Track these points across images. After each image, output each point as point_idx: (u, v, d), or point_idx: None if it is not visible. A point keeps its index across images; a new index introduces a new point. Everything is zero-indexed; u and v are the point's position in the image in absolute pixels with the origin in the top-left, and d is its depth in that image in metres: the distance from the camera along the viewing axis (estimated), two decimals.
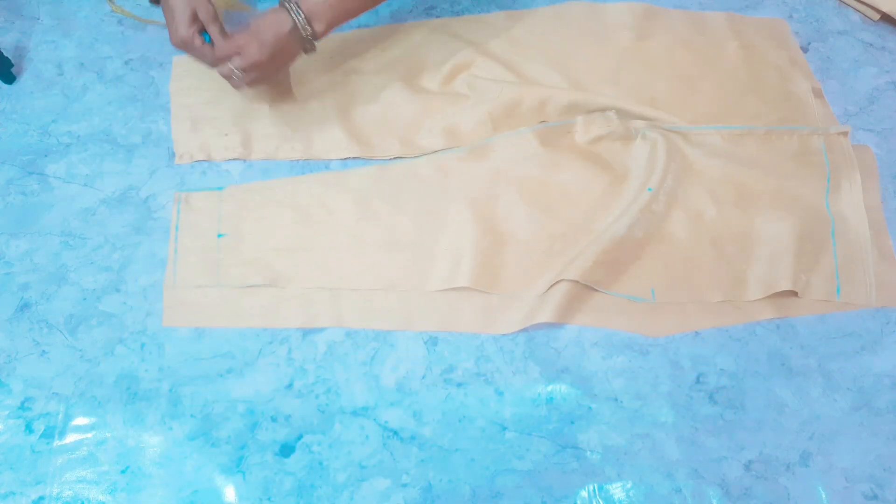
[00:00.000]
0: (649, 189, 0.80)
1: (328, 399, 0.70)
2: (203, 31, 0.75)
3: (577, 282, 0.73)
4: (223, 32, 0.76)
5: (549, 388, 0.71)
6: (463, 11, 0.99)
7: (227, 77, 0.76)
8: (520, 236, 0.78)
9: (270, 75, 0.79)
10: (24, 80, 0.90)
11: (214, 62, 0.75)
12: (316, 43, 0.76)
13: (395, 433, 0.68)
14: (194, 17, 0.74)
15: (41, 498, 0.65)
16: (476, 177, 0.82)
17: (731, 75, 0.93)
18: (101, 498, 0.65)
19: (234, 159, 0.84)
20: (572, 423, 0.69)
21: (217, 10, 0.77)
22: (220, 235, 0.78)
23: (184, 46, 0.75)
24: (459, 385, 0.71)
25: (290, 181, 0.82)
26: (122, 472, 0.66)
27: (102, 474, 0.66)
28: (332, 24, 0.76)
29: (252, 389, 0.70)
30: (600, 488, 0.66)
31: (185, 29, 0.73)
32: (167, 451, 0.67)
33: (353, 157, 0.84)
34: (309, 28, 0.74)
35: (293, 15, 0.73)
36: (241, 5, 0.90)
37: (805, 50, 0.98)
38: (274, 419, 0.69)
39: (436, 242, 0.78)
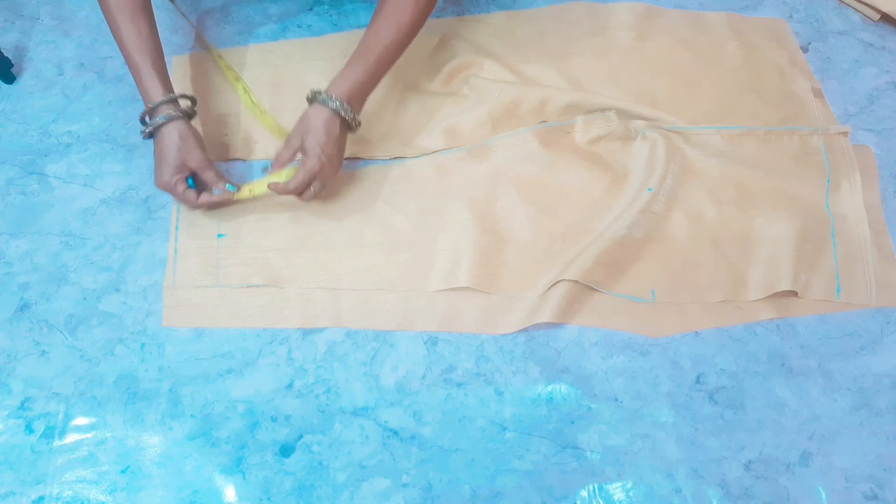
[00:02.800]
0: (649, 189, 0.80)
1: (328, 399, 0.70)
2: (188, 177, 0.74)
3: (578, 282, 0.73)
4: (220, 175, 0.75)
5: (549, 388, 0.71)
6: (463, 11, 0.99)
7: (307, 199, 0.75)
8: (519, 236, 0.78)
9: (336, 173, 0.77)
10: (24, 80, 0.90)
11: (293, 192, 0.74)
12: (359, 122, 0.76)
13: (395, 433, 0.68)
14: (182, 167, 0.72)
15: (41, 498, 0.65)
16: (476, 177, 0.82)
17: (731, 75, 0.93)
18: (101, 498, 0.65)
19: (234, 159, 0.84)
20: (572, 423, 0.69)
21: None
22: (219, 235, 0.78)
23: (167, 190, 0.73)
24: (459, 385, 0.71)
25: None
26: (122, 472, 0.66)
27: (102, 474, 0.66)
28: (362, 102, 0.76)
29: (252, 389, 0.70)
30: (600, 488, 0.66)
31: (168, 176, 0.72)
32: (167, 451, 0.67)
33: (354, 157, 0.84)
34: (350, 110, 0.74)
35: (331, 105, 0.72)
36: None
37: (805, 50, 0.98)
38: (274, 419, 0.69)
39: (435, 242, 0.78)
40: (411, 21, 0.76)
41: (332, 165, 0.74)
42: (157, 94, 0.71)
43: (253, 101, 0.86)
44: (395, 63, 0.78)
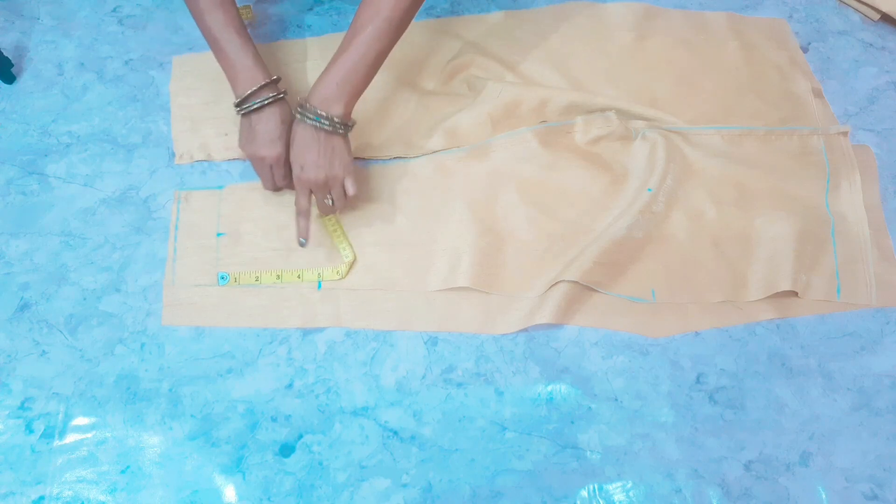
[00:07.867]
0: (649, 189, 0.80)
1: (328, 399, 0.70)
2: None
3: (577, 283, 0.73)
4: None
5: (549, 388, 0.71)
6: (463, 11, 0.99)
7: (329, 208, 0.75)
8: (519, 236, 0.78)
9: (347, 172, 0.74)
10: (24, 80, 0.90)
11: (307, 209, 0.75)
12: (349, 124, 0.72)
13: (395, 433, 0.68)
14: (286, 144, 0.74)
15: (41, 498, 0.65)
16: (476, 177, 0.82)
17: (731, 75, 0.93)
18: (101, 498, 0.65)
19: (234, 159, 0.84)
20: (572, 423, 0.69)
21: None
22: (219, 235, 0.78)
23: (271, 160, 0.74)
24: (459, 385, 0.71)
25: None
26: (122, 472, 0.66)
27: (102, 474, 0.66)
28: (350, 101, 0.72)
29: (252, 389, 0.70)
30: (600, 488, 0.66)
31: (282, 148, 0.74)
32: (167, 451, 0.67)
33: (355, 157, 0.84)
34: (332, 118, 0.70)
35: (309, 121, 0.70)
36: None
37: (805, 50, 0.98)
38: (274, 419, 0.69)
39: (435, 242, 0.78)
40: (393, 7, 0.70)
41: (320, 170, 0.71)
42: (265, 73, 0.73)
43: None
44: (388, 55, 0.74)
